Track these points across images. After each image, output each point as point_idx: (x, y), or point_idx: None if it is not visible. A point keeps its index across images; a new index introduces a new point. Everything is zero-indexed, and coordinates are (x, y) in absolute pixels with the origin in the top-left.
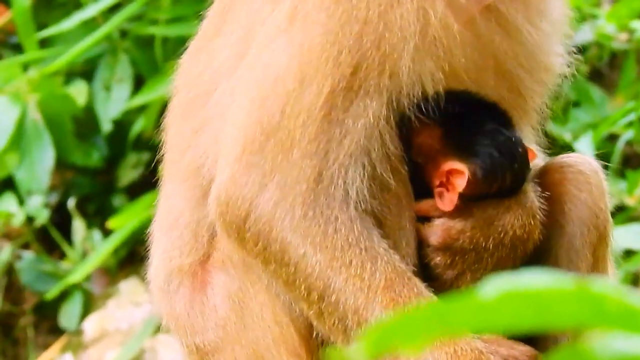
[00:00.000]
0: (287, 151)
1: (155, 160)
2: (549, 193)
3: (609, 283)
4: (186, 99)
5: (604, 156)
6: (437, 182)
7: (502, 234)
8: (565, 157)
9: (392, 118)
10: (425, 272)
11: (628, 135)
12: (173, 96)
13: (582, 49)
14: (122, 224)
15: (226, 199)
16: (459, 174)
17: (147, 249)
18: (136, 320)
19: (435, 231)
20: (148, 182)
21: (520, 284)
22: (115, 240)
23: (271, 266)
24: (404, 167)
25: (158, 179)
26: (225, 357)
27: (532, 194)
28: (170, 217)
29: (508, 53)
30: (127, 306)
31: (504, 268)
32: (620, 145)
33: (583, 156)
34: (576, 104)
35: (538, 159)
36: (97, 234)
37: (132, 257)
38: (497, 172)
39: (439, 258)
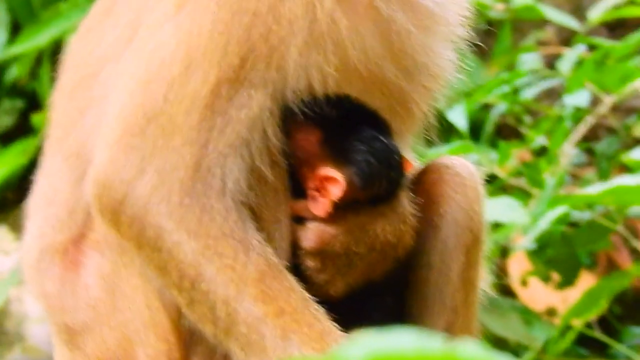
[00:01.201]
0: (168, 137)
1: (28, 109)
2: (425, 195)
3: (476, 347)
4: (73, 79)
5: (476, 125)
6: (311, 185)
7: (373, 239)
8: (443, 159)
9: (276, 111)
10: (298, 273)
11: (501, 107)
12: (61, 74)
13: None
14: None
15: (103, 181)
16: (334, 181)
17: (18, 197)
18: (3, 269)
19: (308, 235)
20: (21, 130)
21: (388, 344)
22: None
23: (145, 251)
24: (284, 161)
25: (31, 127)
26: (94, 337)
27: (405, 200)
28: (48, 194)
29: (392, 56)
30: None
31: (374, 272)
32: (493, 115)
33: (461, 159)
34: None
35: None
36: None
37: (2, 205)
38: (373, 180)
39: (310, 262)
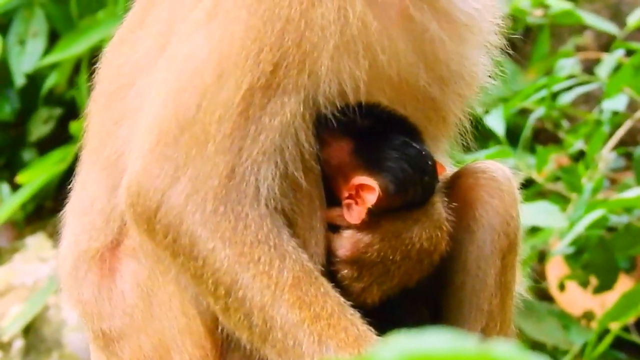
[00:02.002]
0: (201, 145)
1: (66, 117)
2: (460, 199)
3: (510, 347)
4: (108, 90)
5: (514, 131)
6: (346, 194)
7: (409, 247)
8: (479, 163)
9: (308, 117)
10: (332, 279)
11: (539, 111)
12: (96, 85)
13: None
14: (31, 178)
15: (137, 190)
16: (369, 189)
17: (55, 205)
18: (41, 276)
19: (343, 244)
20: (58, 138)
21: (422, 345)
22: (23, 195)
23: (179, 259)
24: (317, 166)
25: (69, 135)
26: (130, 344)
27: (440, 206)
28: (85, 203)
29: (426, 62)
30: (33, 261)
31: (410, 279)
32: (531, 120)
33: (497, 163)
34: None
35: (447, 171)
36: (5, 188)
37: (39, 212)
38: (407, 186)
39: (346, 270)
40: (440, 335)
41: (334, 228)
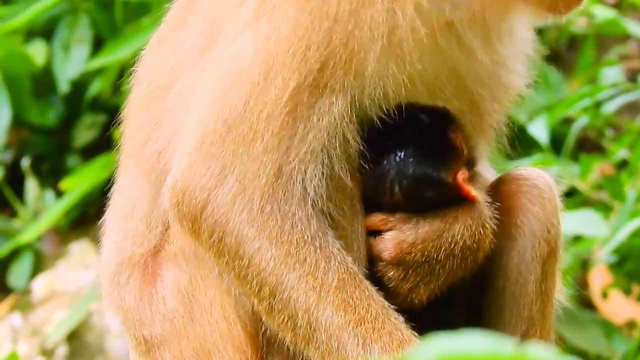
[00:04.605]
0: (249, 144)
1: (111, 123)
2: (502, 205)
3: (546, 348)
4: (147, 90)
5: (558, 139)
6: None
7: (452, 245)
8: (521, 170)
9: (354, 117)
10: (376, 282)
11: (583, 120)
12: (134, 87)
13: (541, 31)
14: (75, 185)
15: (183, 189)
16: None
17: (99, 211)
18: (85, 282)
19: (387, 246)
20: (103, 144)
21: (459, 346)
22: (67, 201)
23: (224, 259)
24: (362, 168)
25: (113, 141)
26: (172, 350)
27: (483, 204)
28: (125, 209)
29: (467, 70)
30: (77, 268)
31: (455, 278)
32: (575, 129)
33: (538, 170)
34: (532, 86)
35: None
36: (49, 194)
37: (83, 219)
38: (384, 184)
39: (392, 272)
40: (477, 337)
41: (375, 233)
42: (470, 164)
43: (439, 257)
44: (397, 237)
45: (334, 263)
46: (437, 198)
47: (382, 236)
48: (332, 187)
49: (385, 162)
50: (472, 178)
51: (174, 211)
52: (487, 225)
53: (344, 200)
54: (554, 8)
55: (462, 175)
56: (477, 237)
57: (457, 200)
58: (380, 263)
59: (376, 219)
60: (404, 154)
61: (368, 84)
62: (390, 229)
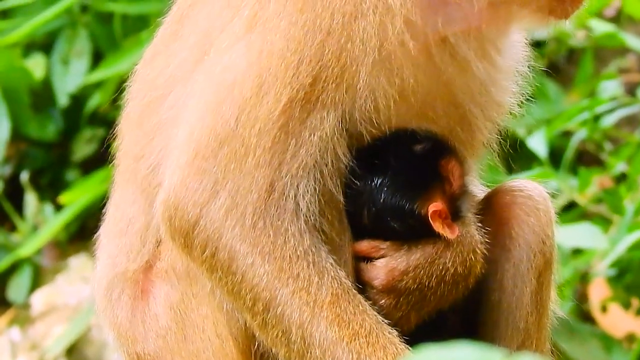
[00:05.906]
0: (241, 159)
1: (110, 137)
2: (496, 217)
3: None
4: (141, 105)
5: (557, 152)
6: None
7: (443, 272)
8: (515, 182)
9: (344, 133)
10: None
11: (582, 133)
12: (128, 101)
13: (539, 44)
14: (74, 198)
15: (175, 203)
16: None
17: (98, 225)
18: (84, 296)
19: (378, 273)
20: (102, 158)
21: (449, 358)
22: (66, 215)
23: (217, 274)
24: (354, 184)
25: (112, 155)
26: None
27: (474, 229)
28: (120, 224)
29: (460, 86)
30: (76, 282)
31: (445, 303)
32: (573, 142)
33: (533, 182)
34: (531, 99)
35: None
36: (48, 208)
37: (82, 233)
38: (358, 207)
39: (384, 300)
40: (468, 349)
41: (364, 259)
42: (462, 195)
43: (430, 284)
44: (388, 264)
45: (327, 278)
46: (406, 229)
47: (374, 263)
48: (323, 203)
49: (361, 185)
50: (459, 210)
51: (166, 226)
52: (477, 250)
53: (335, 216)
54: (556, 11)
55: (433, 209)
56: (468, 263)
57: (433, 232)
58: (372, 290)
59: (367, 246)
60: (380, 180)
61: (359, 97)
62: (382, 256)
